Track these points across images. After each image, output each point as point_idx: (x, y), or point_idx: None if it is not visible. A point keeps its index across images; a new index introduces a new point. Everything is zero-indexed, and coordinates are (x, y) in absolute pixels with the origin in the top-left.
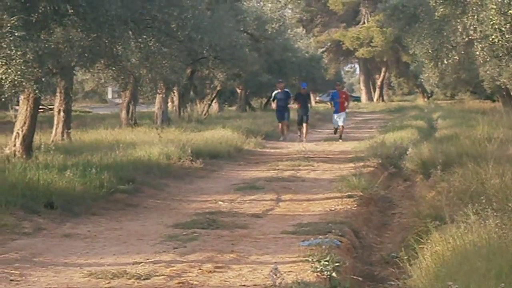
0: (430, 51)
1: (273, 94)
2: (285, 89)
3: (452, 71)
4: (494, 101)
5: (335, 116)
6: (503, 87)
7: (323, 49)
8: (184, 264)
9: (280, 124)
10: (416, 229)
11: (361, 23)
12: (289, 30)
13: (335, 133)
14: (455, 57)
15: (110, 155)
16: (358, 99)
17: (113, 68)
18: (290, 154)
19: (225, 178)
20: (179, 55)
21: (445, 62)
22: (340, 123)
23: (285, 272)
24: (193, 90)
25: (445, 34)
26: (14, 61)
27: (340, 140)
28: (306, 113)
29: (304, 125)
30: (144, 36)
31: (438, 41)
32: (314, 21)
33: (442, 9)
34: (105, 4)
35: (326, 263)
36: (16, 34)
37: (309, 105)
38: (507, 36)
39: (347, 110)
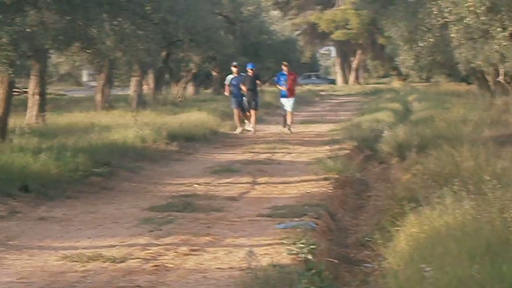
0: (405, 33)
1: (227, 78)
2: (241, 73)
3: (427, 53)
4: (469, 83)
5: (283, 100)
6: (478, 69)
7: (299, 31)
8: (159, 247)
9: (236, 112)
10: (392, 212)
11: (336, 5)
12: (264, 13)
13: (284, 126)
14: (430, 40)
15: (85, 138)
16: (333, 81)
17: (88, 51)
18: (266, 137)
19: (200, 161)
20: (154, 37)
21: (420, 44)
22: (288, 109)
23: (260, 254)
24: (168, 73)
25: (420, 16)
26: None
27: (290, 131)
28: (254, 97)
29: (252, 112)
30: (119, 19)
31: (413, 23)
32: (290, 3)
33: None
34: None
35: (302, 245)
36: None
37: (258, 88)
38: (482, 18)
39: (294, 97)
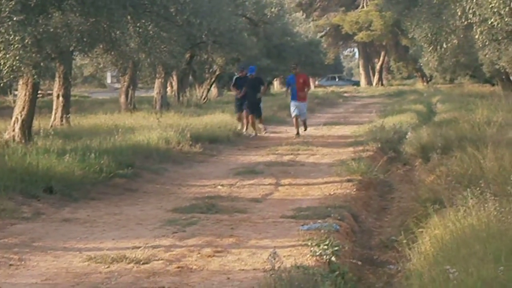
0: (429, 35)
1: (234, 80)
2: (247, 75)
3: (451, 55)
4: (493, 84)
5: (292, 104)
6: (502, 70)
7: (322, 33)
8: (183, 248)
9: (237, 114)
10: (415, 213)
11: (360, 7)
12: (288, 15)
13: (297, 133)
14: (454, 41)
15: (109, 140)
16: (357, 83)
17: (112, 53)
18: (290, 138)
19: (224, 163)
20: (178, 39)
21: (444, 46)
22: (299, 115)
23: (284, 256)
24: (192, 75)
25: (444, 18)
26: (12, 46)
27: (297, 137)
28: (257, 104)
29: (251, 116)
30: (143, 21)
31: (437, 25)
32: (313, 5)
33: None
34: None
35: (325, 247)
36: (15, 18)
37: (259, 94)
38: (506, 19)
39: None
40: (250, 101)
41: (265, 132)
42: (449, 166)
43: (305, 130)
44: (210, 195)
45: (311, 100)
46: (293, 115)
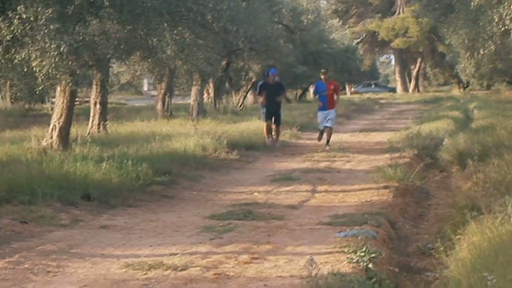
0: (466, 41)
1: (258, 87)
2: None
3: (488, 61)
4: None
5: (320, 114)
6: None
7: (358, 40)
8: (220, 255)
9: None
10: (453, 220)
11: (396, 13)
12: (324, 21)
13: (319, 139)
14: (491, 47)
15: (146, 147)
16: (393, 90)
17: (149, 60)
18: (324, 145)
19: (260, 170)
20: (214, 46)
21: (481, 52)
22: (328, 124)
23: (321, 263)
24: (228, 82)
25: (481, 24)
26: (48, 53)
27: (327, 147)
28: (276, 110)
29: (274, 126)
30: (180, 28)
31: (474, 31)
32: (349, 12)
33: None
34: None
35: (362, 254)
36: (51, 26)
37: (279, 100)
38: None
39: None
40: (269, 108)
41: (276, 145)
42: (486, 172)
43: (328, 140)
44: (246, 201)
45: (347, 106)
46: (321, 127)
